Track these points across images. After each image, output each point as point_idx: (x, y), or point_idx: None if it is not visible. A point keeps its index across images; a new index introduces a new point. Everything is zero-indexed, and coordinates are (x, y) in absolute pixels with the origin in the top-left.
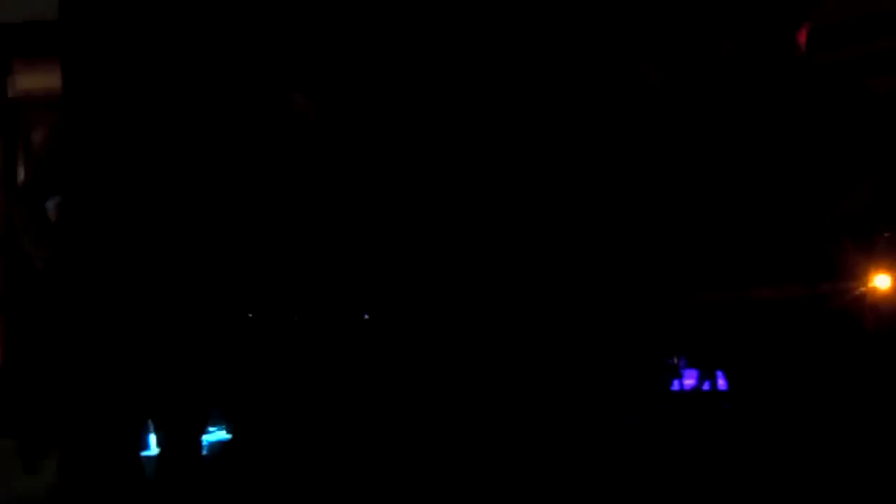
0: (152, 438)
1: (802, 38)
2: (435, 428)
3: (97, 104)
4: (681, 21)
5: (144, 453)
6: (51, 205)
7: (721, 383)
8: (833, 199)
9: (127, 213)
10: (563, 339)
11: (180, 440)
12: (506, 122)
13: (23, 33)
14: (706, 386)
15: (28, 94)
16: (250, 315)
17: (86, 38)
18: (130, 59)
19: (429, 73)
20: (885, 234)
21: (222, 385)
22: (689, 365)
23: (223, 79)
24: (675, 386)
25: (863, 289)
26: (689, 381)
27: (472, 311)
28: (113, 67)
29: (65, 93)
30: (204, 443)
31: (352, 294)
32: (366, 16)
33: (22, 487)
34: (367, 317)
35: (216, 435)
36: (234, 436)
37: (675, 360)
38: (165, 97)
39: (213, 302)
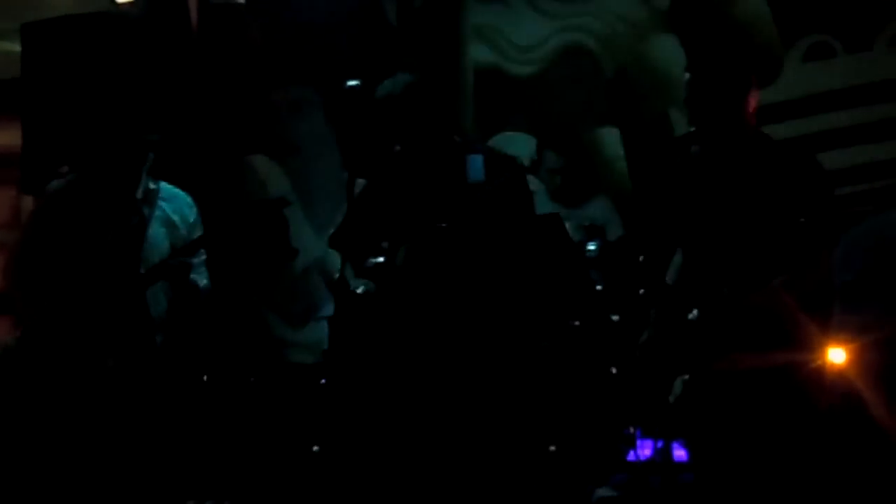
0: None
1: (751, 109)
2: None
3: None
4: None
5: None
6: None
7: (678, 454)
8: (786, 271)
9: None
10: (521, 407)
11: None
12: None
13: None
14: (661, 456)
15: None
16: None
17: (46, 96)
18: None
19: None
20: (840, 309)
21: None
22: (645, 435)
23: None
24: (631, 456)
25: (818, 362)
26: (646, 452)
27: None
28: (72, 126)
29: (24, 150)
30: None
31: None
32: None
33: None
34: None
35: None
36: None
37: (632, 430)
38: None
39: None
